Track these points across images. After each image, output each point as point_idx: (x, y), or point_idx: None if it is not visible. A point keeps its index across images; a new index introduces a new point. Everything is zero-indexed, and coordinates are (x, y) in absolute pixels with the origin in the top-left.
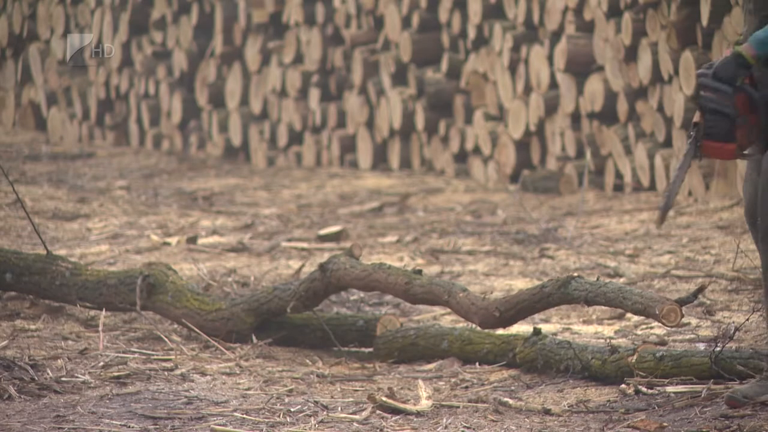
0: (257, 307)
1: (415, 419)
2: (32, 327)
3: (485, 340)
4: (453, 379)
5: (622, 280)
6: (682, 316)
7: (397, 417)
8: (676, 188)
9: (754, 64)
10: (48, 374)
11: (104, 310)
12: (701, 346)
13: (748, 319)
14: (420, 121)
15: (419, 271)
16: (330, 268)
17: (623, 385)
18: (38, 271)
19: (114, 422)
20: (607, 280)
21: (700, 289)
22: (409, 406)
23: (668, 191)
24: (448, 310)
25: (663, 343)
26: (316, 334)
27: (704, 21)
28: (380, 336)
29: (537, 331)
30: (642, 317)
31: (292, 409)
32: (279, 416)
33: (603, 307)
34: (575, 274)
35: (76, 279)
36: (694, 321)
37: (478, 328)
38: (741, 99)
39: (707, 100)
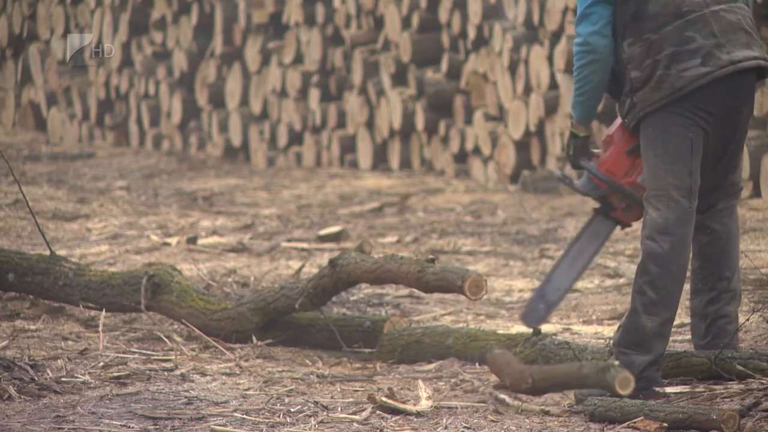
0: (264, 306)
1: (415, 419)
2: (32, 327)
3: (490, 337)
4: (453, 380)
5: (622, 280)
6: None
7: (397, 417)
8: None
9: (580, 132)
10: (48, 374)
11: (108, 310)
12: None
13: (748, 320)
14: (420, 122)
15: (432, 260)
16: (340, 263)
17: None
18: (41, 271)
19: (114, 422)
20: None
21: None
22: (409, 407)
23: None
24: (449, 311)
25: None
26: (322, 335)
27: None
28: (386, 334)
29: (537, 332)
30: None
31: (292, 410)
32: (279, 416)
33: (603, 307)
34: (614, 362)
35: (79, 279)
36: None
37: (484, 327)
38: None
39: (579, 190)
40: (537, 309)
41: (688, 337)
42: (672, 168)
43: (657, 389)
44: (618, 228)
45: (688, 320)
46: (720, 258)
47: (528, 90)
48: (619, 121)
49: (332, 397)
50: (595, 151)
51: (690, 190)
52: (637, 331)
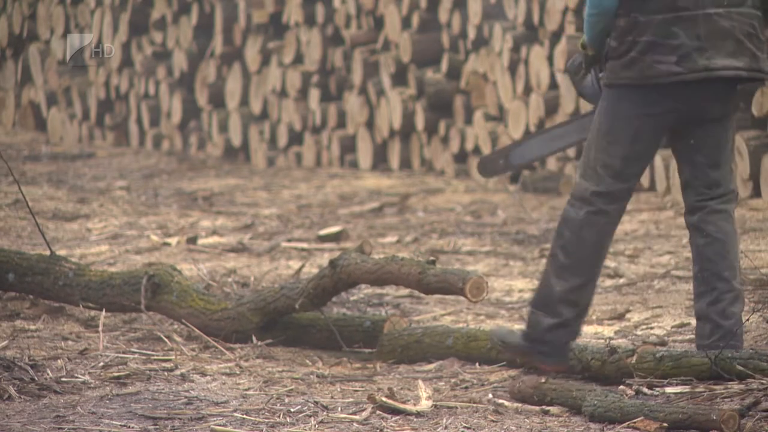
0: (264, 306)
1: (415, 419)
2: (32, 327)
3: None
4: (453, 380)
5: (622, 280)
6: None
7: (397, 417)
8: (539, 154)
9: (588, 51)
10: (48, 374)
11: (108, 310)
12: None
13: (748, 319)
14: (420, 122)
15: (433, 261)
16: (340, 264)
17: (623, 386)
18: (41, 271)
19: (114, 422)
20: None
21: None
22: (409, 407)
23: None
24: (449, 311)
25: (663, 343)
26: (322, 335)
27: None
28: (386, 333)
29: None
30: (643, 318)
31: (292, 410)
32: (279, 416)
33: (603, 307)
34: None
35: (79, 279)
36: (694, 321)
37: (484, 327)
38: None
39: (581, 90)
40: (496, 163)
41: (689, 337)
42: (608, 147)
43: (562, 361)
44: None
45: (687, 320)
46: (718, 259)
47: (528, 90)
48: None
49: (332, 397)
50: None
51: (618, 173)
52: (546, 293)
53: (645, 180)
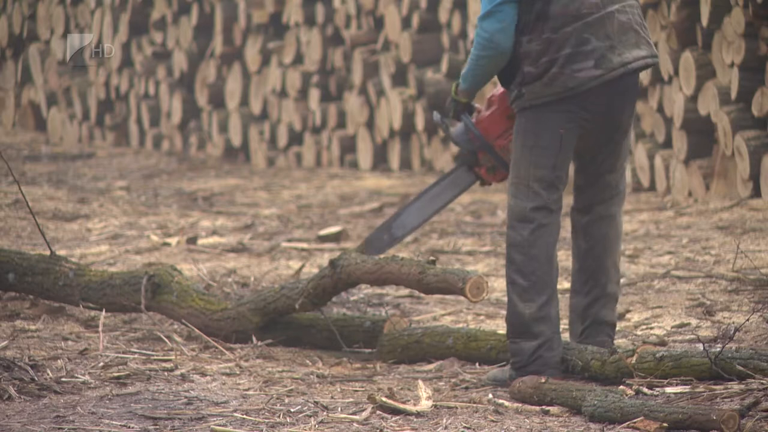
0: (264, 307)
1: (415, 419)
2: (32, 327)
3: (490, 338)
4: (453, 380)
5: (622, 280)
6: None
7: (397, 417)
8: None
9: (461, 98)
10: (48, 374)
11: (108, 310)
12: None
13: (748, 320)
14: (420, 122)
15: (433, 261)
16: (340, 264)
17: (623, 386)
18: (42, 271)
19: (114, 422)
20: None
21: None
22: (409, 407)
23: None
24: (450, 311)
25: (663, 343)
26: (323, 335)
27: (704, 21)
28: (386, 334)
29: None
30: (643, 318)
31: (292, 410)
32: (279, 417)
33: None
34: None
35: (79, 279)
36: (694, 321)
37: (484, 327)
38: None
39: (454, 138)
40: (380, 239)
41: (689, 337)
42: (537, 160)
43: (555, 371)
44: (478, 184)
45: (687, 320)
46: (595, 267)
47: None
48: None
49: (332, 397)
50: (477, 105)
51: (551, 183)
52: (519, 320)
53: (645, 180)
